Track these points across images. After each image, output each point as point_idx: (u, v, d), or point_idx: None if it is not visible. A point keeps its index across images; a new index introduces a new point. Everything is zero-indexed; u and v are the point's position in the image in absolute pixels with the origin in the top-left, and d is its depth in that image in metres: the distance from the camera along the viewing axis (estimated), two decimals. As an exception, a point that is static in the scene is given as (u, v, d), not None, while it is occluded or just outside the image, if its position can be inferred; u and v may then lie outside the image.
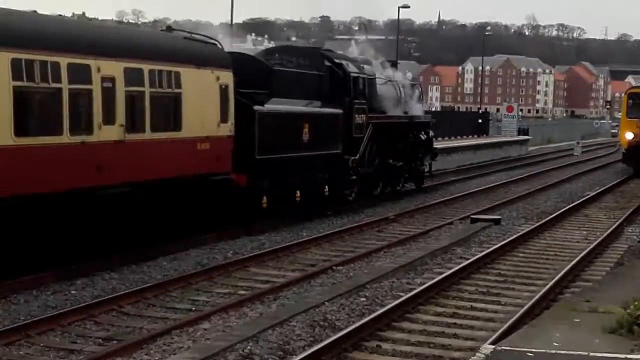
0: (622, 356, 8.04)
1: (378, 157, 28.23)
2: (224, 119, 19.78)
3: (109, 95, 16.03)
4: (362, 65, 27.45)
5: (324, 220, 23.63)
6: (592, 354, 8.22)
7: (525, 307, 13.69)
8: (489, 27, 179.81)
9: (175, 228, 18.57)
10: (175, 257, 17.54)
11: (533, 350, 8.42)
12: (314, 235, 20.72)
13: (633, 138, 39.95)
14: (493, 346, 8.74)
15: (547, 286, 15.38)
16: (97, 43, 16.08)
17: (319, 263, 17.84)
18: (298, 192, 23.06)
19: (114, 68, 16.21)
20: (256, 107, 21.09)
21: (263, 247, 19.03)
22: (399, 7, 65.04)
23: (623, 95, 45.27)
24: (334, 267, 17.15)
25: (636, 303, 9.39)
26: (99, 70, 15.75)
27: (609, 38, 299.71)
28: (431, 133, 33.19)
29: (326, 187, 24.61)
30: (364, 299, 14.38)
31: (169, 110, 18.15)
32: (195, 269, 16.47)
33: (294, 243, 19.56)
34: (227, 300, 14.31)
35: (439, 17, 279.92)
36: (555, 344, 8.81)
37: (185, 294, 14.77)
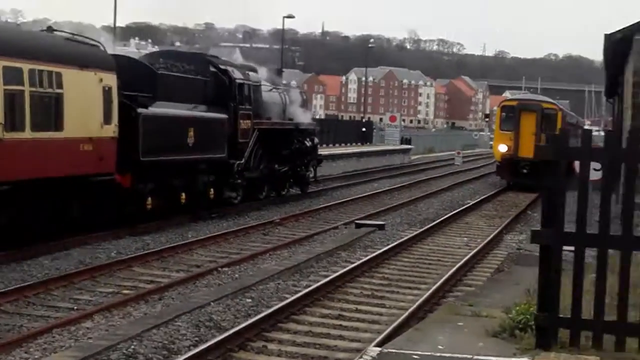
0: (504, 359, 8.17)
1: (264, 162, 28.27)
2: (107, 120, 19.51)
3: (-13, 93, 15.61)
4: (247, 72, 27.47)
5: (210, 222, 23.51)
6: (476, 357, 8.33)
7: (410, 310, 13.85)
8: (372, 40, 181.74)
9: (58, 227, 18.21)
10: (57, 256, 17.21)
11: (419, 352, 8.49)
12: (200, 237, 20.58)
13: (506, 151, 39.91)
14: (379, 348, 8.78)
15: (431, 290, 15.59)
16: (-25, 40, 15.66)
17: (205, 264, 17.72)
18: (183, 194, 22.89)
19: (-7, 66, 15.79)
20: (140, 110, 20.92)
21: (148, 248, 18.82)
22: (283, 17, 65.26)
23: (497, 107, 45.14)
24: (220, 268, 17.06)
25: (518, 308, 9.57)
26: (-23, 67, 15.32)
27: (487, 54, 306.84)
28: (316, 140, 33.41)
29: (212, 190, 24.50)
30: (250, 300, 14.33)
31: (50, 110, 17.75)
32: (78, 268, 16.17)
33: (179, 244, 19.40)
34: (111, 299, 14.07)
35: (323, 28, 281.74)
36: (440, 347, 8.90)
37: (67, 293, 14.49)
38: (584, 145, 8.63)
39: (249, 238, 21.54)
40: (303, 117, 31.80)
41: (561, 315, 8.60)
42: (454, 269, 17.89)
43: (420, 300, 14.70)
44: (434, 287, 15.86)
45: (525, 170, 38.98)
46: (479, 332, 9.70)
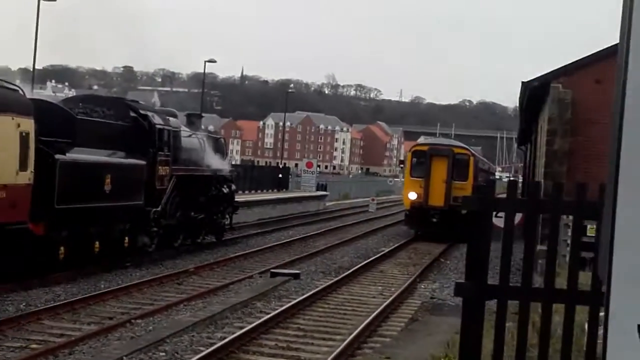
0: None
1: (180, 209, 28.11)
2: (23, 167, 19.20)
3: None
4: (167, 117, 27.37)
5: (123, 271, 23.22)
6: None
7: (325, 363, 13.88)
8: (291, 85, 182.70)
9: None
10: (-36, 309, 16.78)
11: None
12: (113, 287, 20.31)
13: (416, 198, 38.35)
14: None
15: (346, 341, 15.62)
16: None
17: (117, 316, 17.47)
18: (97, 242, 22.61)
19: None
20: (57, 156, 20.65)
21: (58, 299, 18.49)
22: (205, 61, 65.33)
23: (407, 152, 43.62)
24: (133, 320, 16.85)
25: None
26: None
27: (403, 100, 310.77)
28: (233, 186, 33.37)
29: (126, 238, 24.26)
30: (164, 353, 14.17)
31: (-37, 156, 17.43)
32: (-15, 321, 15.79)
33: (91, 295, 19.09)
34: (18, 354, 13.76)
35: (242, 72, 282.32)
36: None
37: (-26, 348, 14.14)
38: (510, 196, 8.76)
39: (163, 288, 21.34)
40: (221, 164, 31.76)
41: (482, 369, 8.69)
42: (369, 319, 17.95)
43: (335, 352, 14.71)
44: (349, 338, 15.88)
45: (435, 219, 37.94)
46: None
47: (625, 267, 2.79)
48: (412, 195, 38.40)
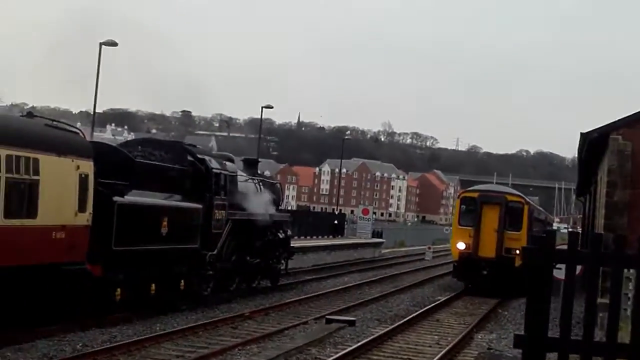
0: None
1: (236, 253, 28.18)
2: (82, 208, 19.41)
3: (-37, 177, 15.52)
4: (224, 161, 27.54)
5: (179, 314, 23.25)
6: None
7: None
8: (348, 131, 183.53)
9: (23, 317, 17.95)
10: (20, 348, 16.87)
11: None
12: (168, 330, 20.32)
13: (464, 249, 35.52)
14: None
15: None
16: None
17: (172, 359, 17.45)
18: (153, 284, 22.70)
19: (-29, 150, 15.74)
20: (115, 198, 20.84)
21: (114, 340, 18.53)
22: (262, 107, 65.81)
23: (456, 199, 40.95)
24: (188, 364, 16.82)
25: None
26: (-46, 152, 15.26)
27: (460, 149, 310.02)
28: (289, 231, 33.41)
29: (182, 281, 24.32)
30: (218, 398, 14.10)
31: (25, 197, 17.66)
32: (42, 361, 15.89)
33: (146, 337, 19.10)
34: (76, 395, 13.80)
35: (299, 119, 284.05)
36: None
37: (31, 388, 14.20)
38: (571, 248, 8.60)
39: (217, 332, 21.30)
40: (276, 209, 31.82)
41: None
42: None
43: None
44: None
45: (485, 272, 35.06)
46: None
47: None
48: (461, 245, 35.74)
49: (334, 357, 18.22)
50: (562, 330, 8.47)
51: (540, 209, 53.54)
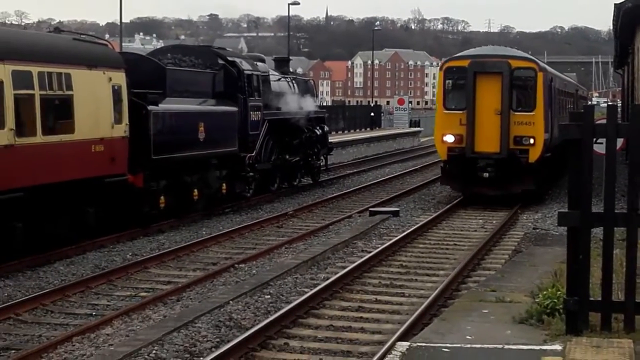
0: (537, 347, 8.06)
1: (275, 153, 28.19)
2: (117, 120, 19.41)
3: (-3, 98, 15.53)
4: (255, 62, 27.33)
5: (223, 217, 23.43)
6: (506, 346, 8.23)
7: (429, 299, 13.72)
8: (377, 22, 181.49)
9: (72, 231, 18.16)
10: (72, 261, 17.12)
11: (448, 345, 8.40)
12: (214, 234, 20.49)
13: (454, 143, 25.63)
14: (408, 343, 8.67)
15: (450, 276, 15.49)
16: (-18, 46, 15.57)
17: (221, 261, 17.63)
18: (196, 190, 22.81)
19: (1, 71, 15.70)
20: (150, 107, 20.80)
21: (163, 247, 18.74)
22: (288, 4, 64.99)
23: (438, 71, 28.59)
24: (236, 265, 16.98)
25: (544, 292, 9.46)
26: (-15, 73, 15.24)
27: (492, 30, 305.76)
28: (326, 127, 33.29)
29: (224, 184, 24.42)
30: (269, 296, 14.25)
31: (60, 113, 17.68)
32: (94, 272, 16.09)
33: (193, 242, 19.29)
34: (129, 303, 14.00)
35: (327, 13, 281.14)
36: (468, 337, 8.81)
37: (84, 298, 14.42)
38: (610, 121, 8.43)
39: (263, 232, 21.45)
40: (312, 105, 31.68)
41: (592, 299, 8.47)
42: (472, 253, 17.79)
43: (440, 287, 14.60)
44: (453, 273, 15.76)
45: (486, 174, 25.33)
46: (506, 319, 9.62)
47: None
48: (449, 138, 25.70)
49: (380, 248, 18.31)
50: (606, 204, 8.36)
51: (568, 78, 40.47)
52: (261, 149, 26.88)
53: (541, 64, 27.24)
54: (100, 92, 18.81)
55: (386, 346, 10.47)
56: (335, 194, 28.86)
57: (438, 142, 26.30)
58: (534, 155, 25.31)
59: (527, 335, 8.66)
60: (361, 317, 13.17)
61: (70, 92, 17.74)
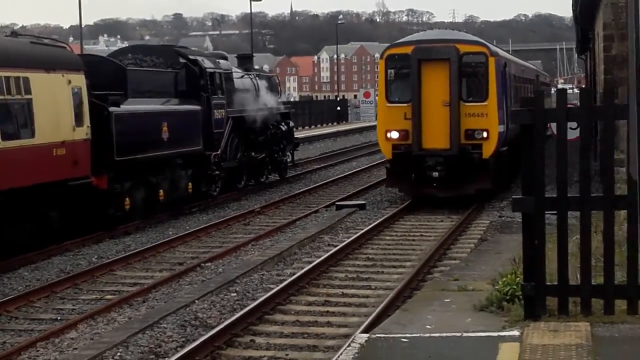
0: (495, 334, 8.11)
1: (240, 150, 28.15)
2: (79, 122, 19.31)
3: (-46, 104, 15.41)
4: (217, 60, 27.26)
5: (190, 217, 23.36)
6: (465, 334, 8.28)
7: (395, 290, 13.78)
8: (341, 16, 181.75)
9: (36, 237, 18.06)
10: (37, 267, 17.02)
11: (407, 335, 8.42)
12: (181, 233, 20.42)
13: (399, 139, 23.10)
14: (367, 335, 8.70)
15: (416, 268, 15.56)
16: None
17: (187, 261, 17.58)
18: (161, 191, 22.74)
19: (-42, 76, 15.58)
20: (112, 109, 20.71)
21: (129, 249, 18.66)
22: (250, 0, 64.92)
23: (378, 59, 25.07)
24: (203, 264, 16.94)
25: (504, 279, 9.52)
26: (-59, 79, 15.10)
27: (457, 20, 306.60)
28: (291, 123, 33.27)
29: (190, 184, 24.36)
30: (235, 294, 14.23)
31: (20, 117, 17.56)
32: (59, 276, 16.00)
33: (160, 242, 19.22)
34: (94, 306, 13.93)
35: (292, 9, 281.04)
36: (428, 326, 8.85)
37: (49, 303, 14.34)
38: (560, 106, 8.48)
39: (230, 230, 21.41)
40: (276, 102, 31.64)
41: (548, 283, 8.54)
42: (438, 243, 17.87)
43: (406, 279, 14.65)
44: (419, 264, 15.83)
45: (436, 174, 22.78)
46: (467, 307, 9.68)
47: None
48: (394, 135, 23.24)
49: (347, 241, 18.33)
50: (559, 189, 8.42)
51: (527, 63, 38.92)
52: (226, 147, 26.83)
53: (493, 48, 24.78)
54: (59, 95, 18.70)
55: (349, 341, 10.48)
56: (302, 190, 28.86)
57: (381, 139, 23.66)
58: (488, 150, 22.94)
59: (487, 323, 8.72)
60: (327, 311, 13.19)
61: (29, 96, 17.63)
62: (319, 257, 16.85)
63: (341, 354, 7.94)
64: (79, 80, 19.51)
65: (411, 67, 22.95)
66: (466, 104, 22.92)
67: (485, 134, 22.90)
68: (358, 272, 15.95)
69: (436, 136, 22.86)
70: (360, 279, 15.49)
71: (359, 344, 8.07)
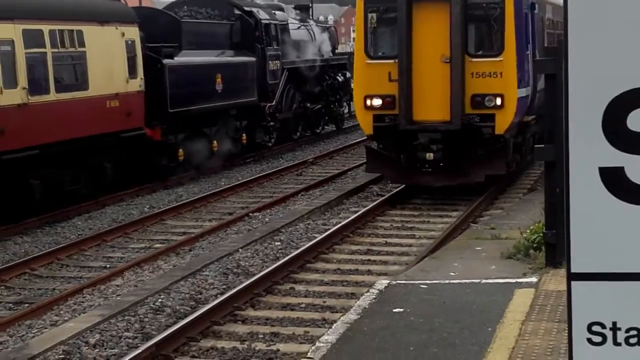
0: (513, 280, 8.22)
1: (296, 101, 28.25)
2: (132, 74, 19.60)
3: (8, 59, 15.76)
4: (273, 11, 27.31)
5: (243, 168, 23.62)
6: (484, 280, 8.39)
7: (437, 240, 13.88)
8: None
9: (93, 187, 18.47)
10: (90, 216, 17.42)
11: (427, 282, 8.58)
12: (233, 184, 20.70)
13: (383, 107, 17.25)
14: (387, 281, 8.86)
15: (460, 218, 15.60)
16: (-9, 6, 15.77)
17: (237, 211, 17.84)
18: (215, 142, 23.00)
19: (12, 31, 15.91)
20: (165, 61, 20.94)
21: (180, 200, 18.97)
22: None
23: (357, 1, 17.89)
24: (251, 214, 17.19)
25: (532, 227, 9.58)
26: (-5, 33, 15.47)
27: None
28: (348, 74, 33.23)
29: (244, 135, 24.58)
30: (279, 243, 14.46)
31: (74, 70, 17.92)
32: (111, 225, 16.39)
33: (211, 193, 19.51)
34: (142, 255, 14.27)
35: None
36: (452, 273, 8.98)
37: (100, 252, 14.72)
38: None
39: (282, 180, 21.62)
40: (333, 53, 31.61)
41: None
42: (486, 193, 17.80)
43: (449, 228, 14.73)
44: (464, 214, 15.87)
45: (430, 155, 17.11)
46: (495, 255, 9.78)
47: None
48: (375, 102, 17.39)
49: (395, 190, 18.33)
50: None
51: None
52: (281, 98, 26.96)
53: None
54: (113, 48, 18.98)
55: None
56: (357, 140, 28.85)
57: (359, 109, 17.81)
58: (504, 122, 16.95)
59: (510, 270, 8.83)
60: (369, 260, 13.36)
61: (82, 49, 17.94)
62: (366, 206, 16.95)
63: (360, 299, 8.11)
64: (133, 32, 19.76)
65: (398, 8, 16.85)
66: (473, 59, 16.98)
67: (499, 101, 16.83)
68: (404, 222, 16.05)
69: (432, 104, 17.03)
70: (405, 228, 15.60)
71: (378, 289, 8.24)
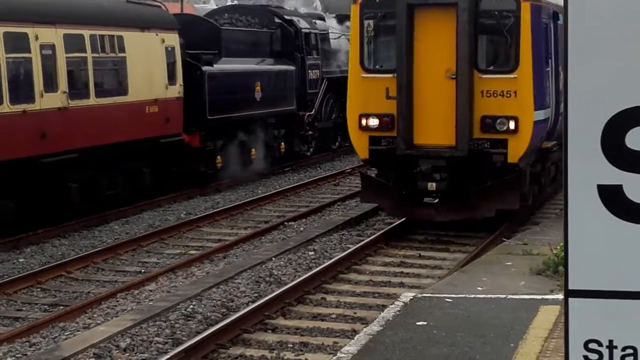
0: (539, 297, 8.18)
1: (335, 111, 28.27)
2: (172, 81, 19.77)
3: (49, 62, 15.97)
4: (314, 20, 27.40)
5: (281, 177, 23.69)
6: (510, 296, 8.36)
7: (470, 255, 13.82)
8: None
9: (128, 192, 18.63)
10: (127, 221, 17.57)
11: (453, 295, 8.56)
12: (269, 192, 20.77)
13: (380, 128, 15.23)
14: (413, 294, 8.87)
15: (495, 233, 15.36)
16: (34, 11, 15.98)
17: (272, 219, 17.90)
18: (253, 150, 23.10)
19: (53, 35, 16.13)
20: (205, 68, 21.09)
21: (217, 206, 19.07)
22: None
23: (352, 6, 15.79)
24: (286, 223, 17.23)
25: (562, 243, 9.50)
26: (37, 38, 15.67)
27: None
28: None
29: (282, 143, 24.66)
30: (312, 252, 14.49)
31: (113, 75, 18.11)
32: (147, 231, 16.51)
33: (248, 200, 19.59)
34: (176, 261, 14.37)
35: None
36: (479, 288, 8.95)
37: (135, 257, 14.85)
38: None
39: (319, 190, 21.66)
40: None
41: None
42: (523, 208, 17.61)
43: (483, 244, 14.61)
44: (500, 230, 15.69)
45: (432, 185, 14.99)
46: (524, 271, 9.73)
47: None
48: (371, 122, 15.38)
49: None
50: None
51: None
52: (321, 107, 27.02)
53: None
54: (153, 54, 19.15)
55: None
56: (396, 151, 28.82)
57: (353, 129, 15.63)
58: (518, 149, 14.83)
59: (538, 286, 8.79)
60: (402, 272, 13.34)
61: (123, 54, 18.13)
62: (402, 218, 16.88)
63: (384, 311, 8.12)
64: (173, 39, 19.94)
65: (397, 14, 14.81)
66: (484, 76, 14.81)
67: (512, 124, 14.72)
68: (439, 235, 15.95)
69: (435, 126, 14.98)
70: (440, 242, 15.52)
71: (403, 302, 8.25)
